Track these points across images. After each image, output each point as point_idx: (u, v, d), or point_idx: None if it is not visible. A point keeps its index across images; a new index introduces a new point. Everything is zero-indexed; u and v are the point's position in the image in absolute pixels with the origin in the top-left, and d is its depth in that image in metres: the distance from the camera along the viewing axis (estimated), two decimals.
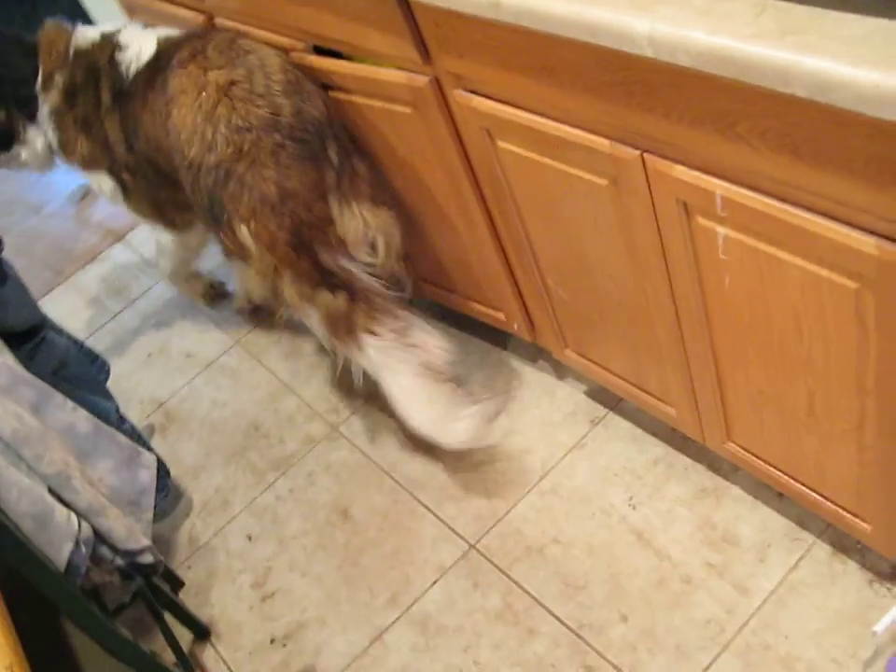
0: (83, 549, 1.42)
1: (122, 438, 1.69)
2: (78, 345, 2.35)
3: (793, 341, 1.37)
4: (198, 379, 2.75)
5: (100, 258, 3.42)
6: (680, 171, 1.30)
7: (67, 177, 3.39)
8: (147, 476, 1.71)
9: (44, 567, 1.33)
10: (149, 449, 2.23)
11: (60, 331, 2.24)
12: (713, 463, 1.97)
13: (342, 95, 1.94)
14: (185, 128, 1.91)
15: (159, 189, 2.30)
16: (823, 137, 1.07)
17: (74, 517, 1.43)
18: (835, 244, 1.16)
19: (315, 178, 1.86)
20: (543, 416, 2.21)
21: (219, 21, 2.32)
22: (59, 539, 1.38)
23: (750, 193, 1.23)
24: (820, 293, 1.25)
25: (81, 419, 1.58)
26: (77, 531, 1.42)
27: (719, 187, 1.26)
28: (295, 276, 1.91)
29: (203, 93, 1.89)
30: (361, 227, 1.93)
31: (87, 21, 3.16)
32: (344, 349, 1.99)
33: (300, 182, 1.84)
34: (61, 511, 1.42)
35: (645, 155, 1.34)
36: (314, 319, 1.99)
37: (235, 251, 1.97)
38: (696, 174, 1.28)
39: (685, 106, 1.21)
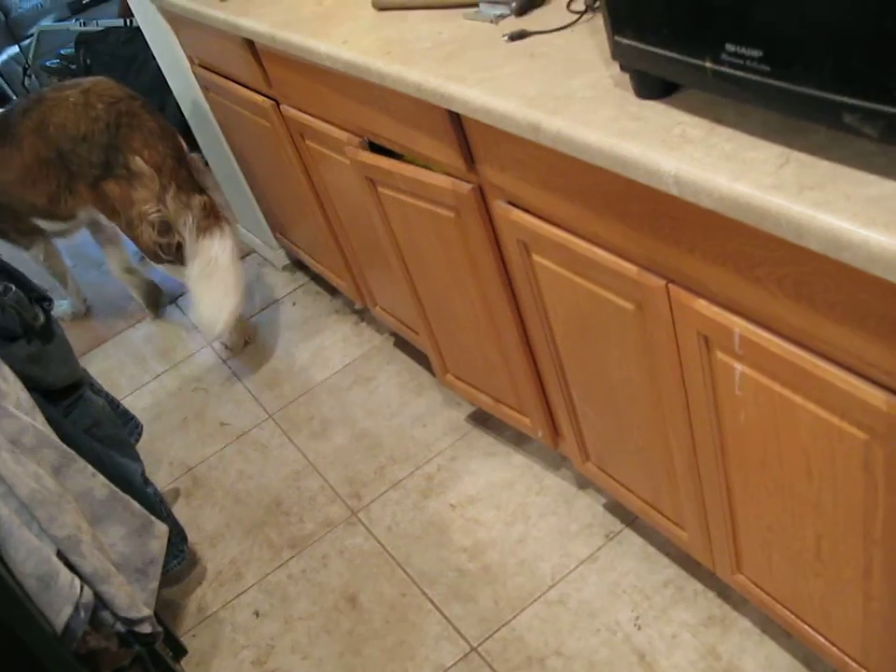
0: (82, 614, 1.44)
1: (136, 506, 1.71)
2: (115, 405, 2.41)
3: (803, 483, 1.37)
4: (228, 448, 2.78)
5: (150, 318, 3.51)
6: (702, 305, 1.31)
7: None
8: (158, 546, 1.73)
9: (40, 628, 1.35)
10: (169, 514, 2.27)
11: (98, 391, 2.29)
12: (724, 591, 1.95)
13: (390, 192, 1.99)
14: (69, 121, 2.72)
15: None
16: (837, 291, 1.08)
17: (77, 581, 1.45)
18: (847, 394, 1.17)
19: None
20: (560, 525, 2.20)
21: (284, 108, 2.41)
22: (60, 602, 1.40)
23: (767, 335, 1.24)
24: (831, 440, 1.25)
25: (99, 485, 1.61)
26: (78, 595, 1.44)
27: (737, 325, 1.27)
28: (178, 188, 2.74)
29: (71, 99, 2.75)
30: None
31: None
32: (210, 238, 2.79)
33: (164, 120, 2.82)
34: (65, 574, 1.44)
35: (670, 285, 1.36)
36: (189, 221, 2.75)
37: (123, 196, 2.74)
38: (717, 309, 1.30)
39: (709, 244, 1.23)
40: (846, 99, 0.95)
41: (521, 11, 1.68)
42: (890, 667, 1.48)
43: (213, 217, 2.83)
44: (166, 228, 2.76)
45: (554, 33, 1.57)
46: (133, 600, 1.57)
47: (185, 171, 2.80)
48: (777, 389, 1.28)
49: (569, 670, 1.93)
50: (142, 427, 2.53)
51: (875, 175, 1.00)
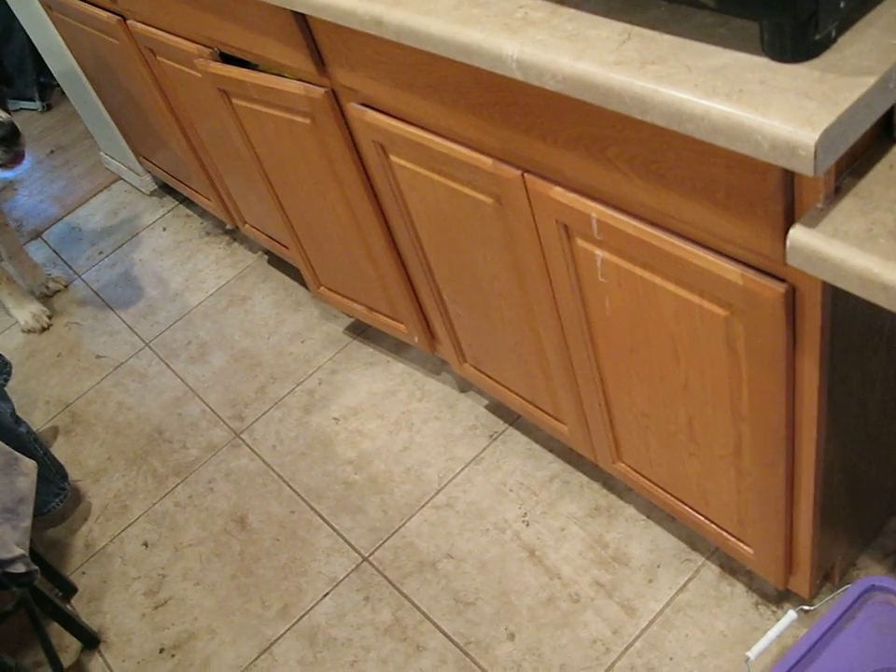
0: None
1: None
2: None
3: (671, 365, 1.38)
4: (105, 381, 2.71)
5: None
6: (559, 192, 1.30)
7: None
8: (26, 483, 1.67)
9: None
10: (46, 452, 2.20)
11: None
12: (608, 482, 1.98)
13: (244, 103, 1.92)
14: None
15: None
16: (686, 166, 1.07)
17: None
18: (705, 271, 1.17)
19: None
20: (443, 429, 2.20)
21: (131, 23, 2.30)
22: None
23: (624, 217, 1.23)
24: (693, 319, 1.26)
25: None
26: None
27: (594, 210, 1.26)
28: None
29: None
30: None
31: None
32: None
33: None
34: None
35: (526, 175, 1.34)
36: None
37: None
38: (574, 196, 1.28)
39: (559, 129, 1.21)
40: None
41: None
42: (763, 537, 1.51)
43: None
44: None
45: None
46: (2, 541, 1.51)
47: None
48: (638, 272, 1.28)
49: (461, 571, 1.94)
50: (11, 366, 2.43)
51: (716, 45, 0.99)
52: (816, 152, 0.85)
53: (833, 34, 0.92)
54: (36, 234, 3.44)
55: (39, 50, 3.21)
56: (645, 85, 0.98)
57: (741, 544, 1.60)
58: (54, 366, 2.84)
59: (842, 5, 0.88)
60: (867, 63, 0.89)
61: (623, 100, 1.01)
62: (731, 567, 1.79)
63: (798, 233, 0.93)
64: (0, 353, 2.41)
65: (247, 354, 2.61)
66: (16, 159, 2.43)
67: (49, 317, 3.00)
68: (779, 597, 1.73)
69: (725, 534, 1.62)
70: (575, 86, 1.06)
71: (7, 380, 2.38)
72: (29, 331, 2.97)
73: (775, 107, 0.88)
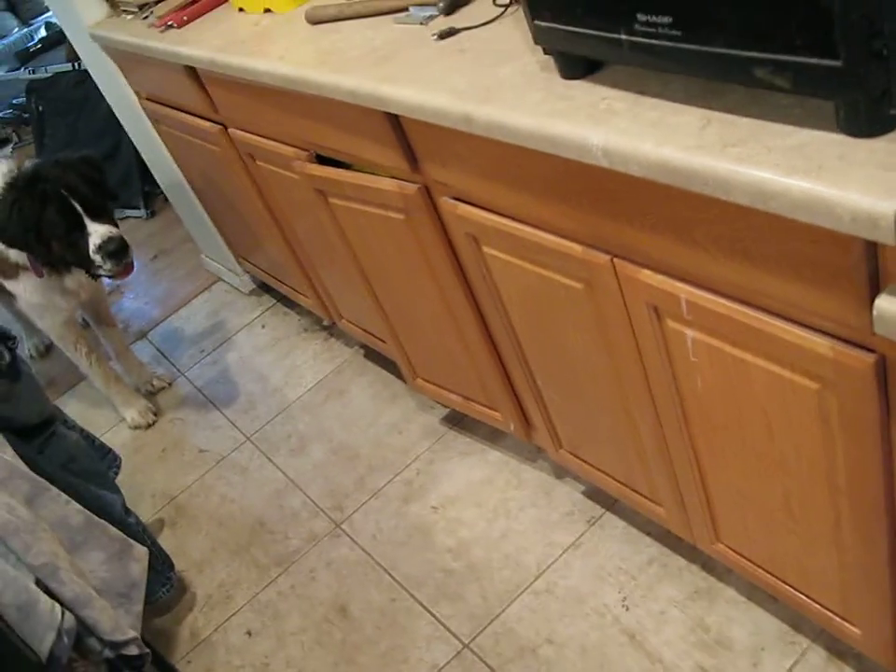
0: (65, 640, 1.44)
1: (114, 531, 1.72)
2: (90, 440, 2.41)
3: (765, 441, 1.39)
4: (209, 475, 2.79)
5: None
6: (647, 275, 1.34)
7: None
8: (138, 569, 1.74)
9: (24, 657, 1.35)
10: (153, 542, 2.27)
11: (72, 426, 2.30)
12: (707, 564, 1.97)
13: (340, 202, 2.01)
14: None
15: None
16: (770, 243, 1.11)
17: (58, 607, 1.46)
18: (793, 345, 1.19)
19: None
20: (541, 516, 2.22)
21: (232, 131, 2.43)
22: (42, 629, 1.41)
23: (712, 297, 1.26)
24: (785, 393, 1.27)
25: (73, 512, 1.62)
26: (59, 621, 1.44)
27: (683, 290, 1.29)
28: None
29: None
30: None
31: None
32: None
33: None
34: (45, 601, 1.44)
35: (615, 260, 1.38)
36: None
37: None
38: (662, 278, 1.32)
39: (645, 213, 1.26)
40: (754, 54, 0.98)
41: (449, 10, 1.71)
42: (870, 616, 1.50)
43: None
44: None
45: (482, 27, 1.59)
46: (117, 623, 1.57)
47: None
48: (728, 350, 1.30)
49: (561, 657, 1.94)
50: (120, 459, 2.53)
51: (793, 125, 1.03)
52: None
53: None
54: (142, 335, 3.58)
55: (147, 162, 3.39)
56: (726, 167, 1.02)
57: (847, 624, 1.58)
58: (159, 460, 2.93)
59: None
60: None
61: (707, 182, 1.05)
62: (838, 649, 1.76)
63: (884, 302, 0.95)
64: (110, 447, 2.51)
65: (346, 446, 2.67)
66: (126, 270, 2.57)
67: (155, 414, 3.11)
68: None
69: (830, 614, 1.60)
70: (659, 171, 1.10)
71: (117, 473, 2.47)
72: (136, 427, 3.08)
73: (854, 181, 0.92)
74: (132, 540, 1.78)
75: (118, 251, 2.49)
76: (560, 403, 1.90)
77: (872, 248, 1.00)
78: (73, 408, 3.24)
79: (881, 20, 0.87)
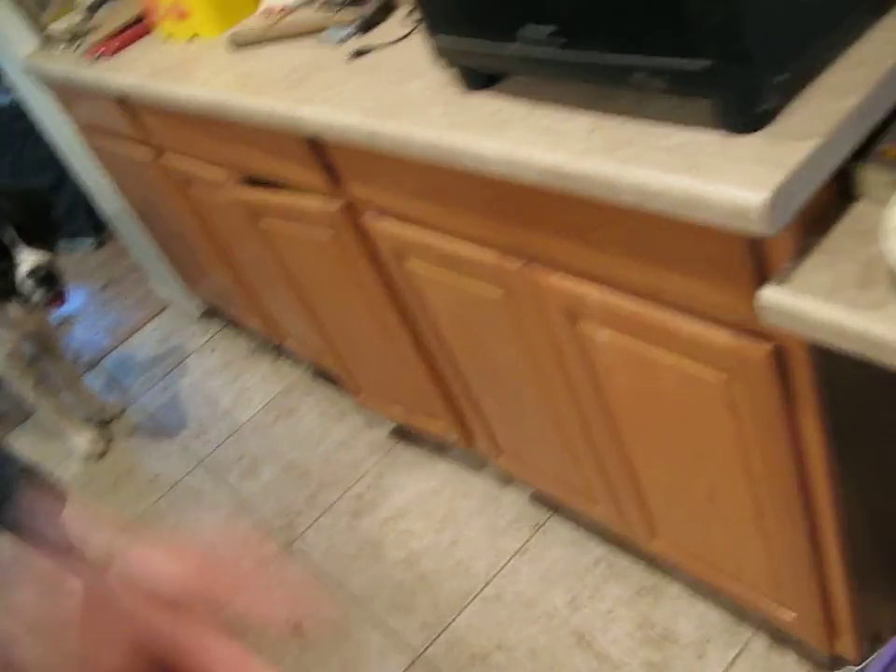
0: None
1: None
2: (33, 472, 2.40)
3: (683, 434, 1.42)
4: (162, 501, 2.79)
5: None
6: (557, 279, 1.37)
7: None
8: None
9: None
10: None
11: (12, 459, 2.28)
12: (652, 562, 1.99)
13: (272, 221, 2.03)
14: None
15: None
16: (662, 241, 1.14)
17: None
18: (697, 339, 1.22)
19: None
20: (488, 523, 2.24)
21: (167, 156, 2.44)
22: None
23: (619, 297, 1.29)
24: (695, 386, 1.30)
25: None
26: None
27: (591, 292, 1.32)
28: None
29: None
30: None
31: None
32: None
33: None
34: None
35: (527, 266, 1.41)
36: None
37: None
38: (571, 281, 1.35)
39: (548, 219, 1.28)
40: (631, 59, 1.01)
41: (365, 28, 1.74)
42: (801, 599, 1.52)
43: None
44: None
45: (393, 45, 1.62)
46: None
47: None
48: (639, 348, 1.33)
49: (512, 661, 1.96)
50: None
51: (676, 126, 1.06)
52: (766, 212, 0.91)
53: (779, 104, 0.99)
54: (94, 364, 3.57)
55: (91, 193, 3.38)
56: (613, 168, 1.05)
57: (782, 608, 1.60)
58: (111, 490, 2.92)
59: (779, 79, 0.95)
60: (812, 127, 0.96)
61: (595, 184, 1.08)
62: (780, 637, 1.79)
63: (767, 292, 0.98)
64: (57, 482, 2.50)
65: (296, 464, 2.68)
66: (56, 298, 2.56)
67: (108, 442, 3.11)
68: (832, 664, 1.72)
69: (766, 600, 1.63)
70: (552, 175, 1.14)
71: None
72: (87, 458, 3.07)
73: (728, 175, 0.95)
74: None
75: (47, 279, 2.49)
76: (497, 410, 1.92)
77: (756, 242, 1.03)
78: (24, 441, 3.22)
79: (743, 22, 0.91)
